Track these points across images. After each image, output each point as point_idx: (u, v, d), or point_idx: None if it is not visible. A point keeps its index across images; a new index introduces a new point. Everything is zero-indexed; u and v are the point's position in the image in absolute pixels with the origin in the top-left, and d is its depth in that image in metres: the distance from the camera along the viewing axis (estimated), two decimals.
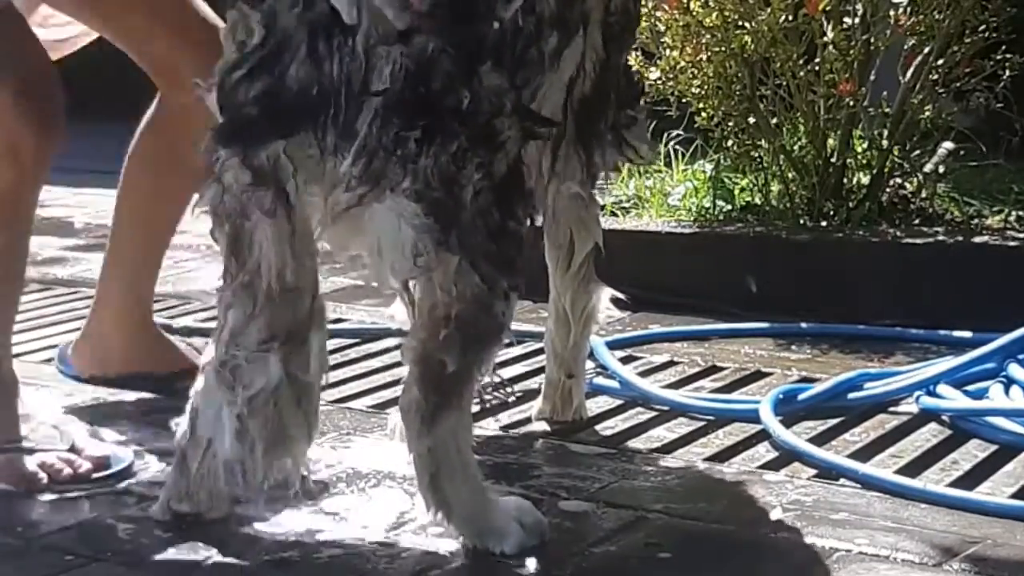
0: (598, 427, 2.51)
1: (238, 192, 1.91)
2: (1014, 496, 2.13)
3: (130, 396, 2.74)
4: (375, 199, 1.88)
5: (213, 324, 3.24)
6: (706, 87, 3.52)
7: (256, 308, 1.93)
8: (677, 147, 3.89)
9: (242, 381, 1.94)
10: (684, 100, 3.58)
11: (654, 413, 2.57)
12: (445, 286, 1.92)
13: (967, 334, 2.90)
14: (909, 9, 3.40)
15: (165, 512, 2.07)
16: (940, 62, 3.44)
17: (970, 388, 2.53)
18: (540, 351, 2.61)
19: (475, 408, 2.49)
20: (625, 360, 2.85)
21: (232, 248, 1.96)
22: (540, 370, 2.61)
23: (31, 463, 2.23)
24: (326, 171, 1.90)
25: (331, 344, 3.05)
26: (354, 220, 1.92)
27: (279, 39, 1.88)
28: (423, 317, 1.96)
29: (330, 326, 3.17)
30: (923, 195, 3.50)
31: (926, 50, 3.43)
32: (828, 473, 2.23)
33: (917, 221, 3.42)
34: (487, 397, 2.28)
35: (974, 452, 2.33)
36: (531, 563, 1.94)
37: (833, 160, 3.48)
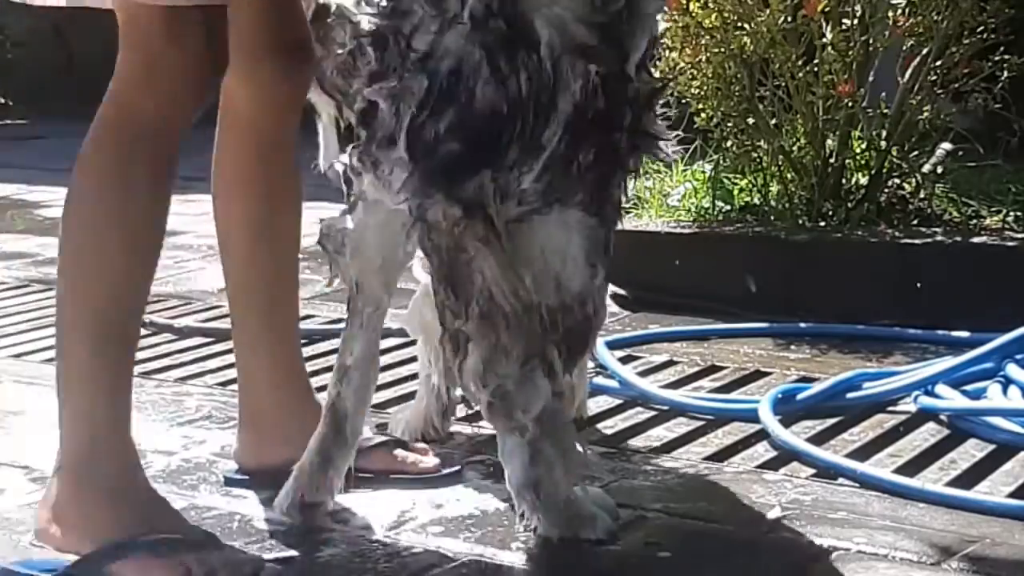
0: (598, 427, 2.52)
1: (448, 228, 1.85)
2: (1012, 495, 2.14)
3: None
4: (545, 212, 1.89)
5: (214, 324, 3.27)
6: (705, 88, 3.53)
7: (502, 335, 1.88)
8: (676, 148, 3.89)
9: (518, 406, 1.91)
10: (683, 101, 3.59)
11: (654, 413, 2.58)
12: (599, 299, 1.96)
13: (965, 334, 2.91)
14: (907, 10, 3.41)
15: (296, 506, 2.08)
16: (938, 63, 3.45)
17: (968, 388, 2.54)
18: None
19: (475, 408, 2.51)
20: (625, 360, 2.86)
21: (449, 284, 1.89)
22: None
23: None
24: (499, 187, 1.87)
25: (331, 344, 3.07)
26: (518, 234, 1.90)
27: (452, 64, 1.85)
28: (550, 322, 1.94)
29: (330, 326, 3.21)
30: (921, 196, 3.50)
31: (924, 51, 3.43)
32: (827, 472, 2.24)
33: (915, 221, 3.43)
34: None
35: (972, 452, 2.33)
36: (531, 563, 1.94)
37: (832, 161, 3.49)
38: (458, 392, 2.27)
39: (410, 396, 2.55)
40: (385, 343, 2.99)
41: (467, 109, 1.84)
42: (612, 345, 2.91)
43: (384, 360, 2.91)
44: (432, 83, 1.85)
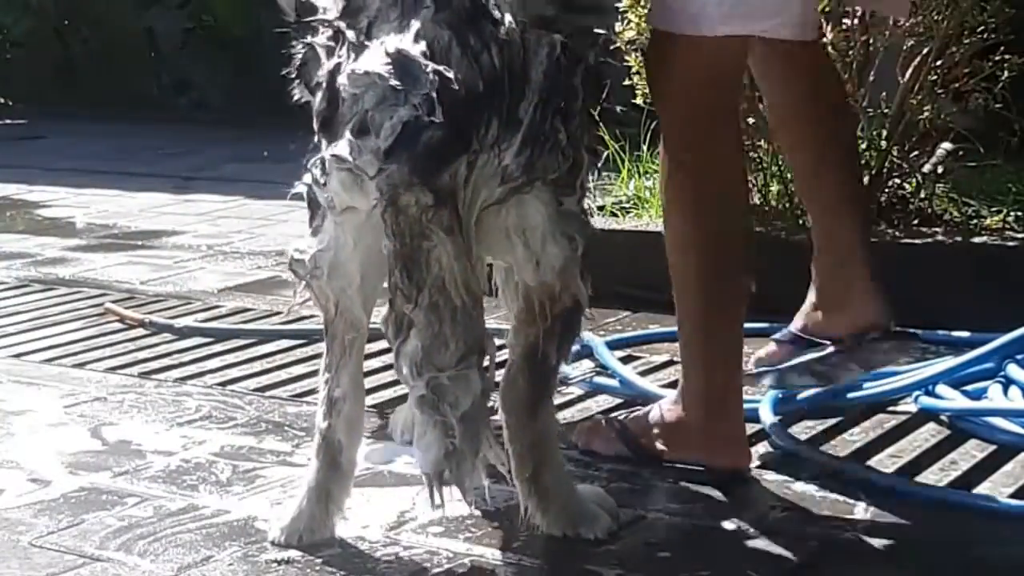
0: None
1: (417, 214, 1.84)
2: (1012, 495, 2.14)
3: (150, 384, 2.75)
4: (524, 191, 1.90)
5: (214, 324, 3.27)
6: None
7: (445, 326, 1.87)
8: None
9: (447, 400, 1.88)
10: None
11: None
12: (575, 278, 1.97)
13: (966, 334, 2.91)
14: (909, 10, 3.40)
15: (293, 544, 2.04)
16: (939, 63, 3.44)
17: (969, 388, 2.54)
18: None
19: None
20: (625, 360, 2.86)
21: (407, 268, 1.87)
22: None
23: None
24: (476, 167, 1.87)
25: None
26: (491, 217, 1.92)
27: (422, 49, 1.85)
28: (536, 312, 1.98)
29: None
30: (922, 195, 3.50)
31: (925, 51, 3.43)
32: (826, 472, 2.24)
33: (916, 221, 3.43)
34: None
35: (972, 452, 2.33)
36: (531, 562, 1.94)
37: None
38: None
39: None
40: (385, 343, 2.99)
41: (444, 92, 1.83)
42: (612, 345, 2.91)
43: (384, 360, 2.92)
44: (403, 70, 1.84)
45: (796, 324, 2.58)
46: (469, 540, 2.02)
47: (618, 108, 2.64)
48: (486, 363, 1.89)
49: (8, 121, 8.27)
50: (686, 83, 2.24)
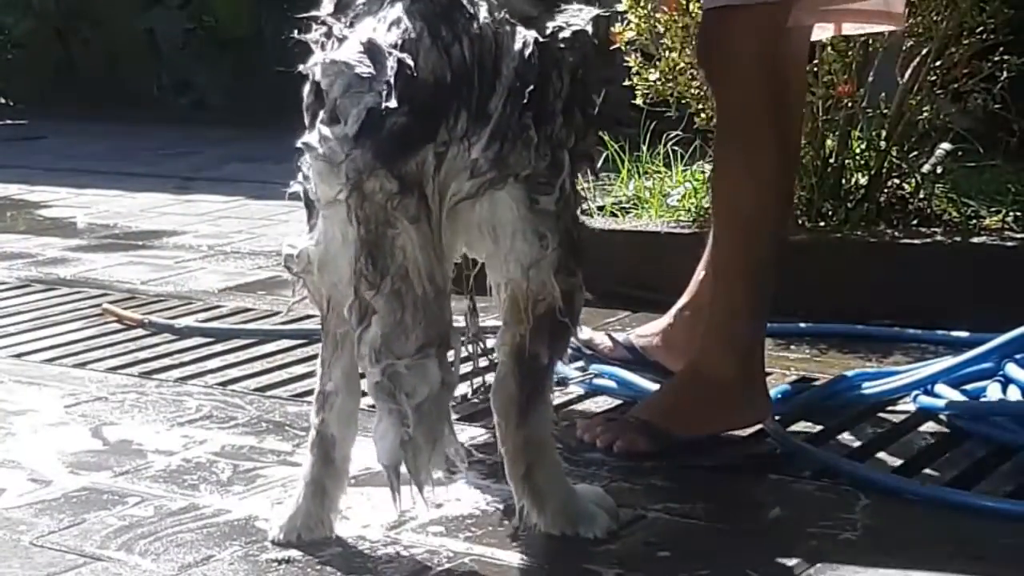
0: None
1: (382, 201, 1.83)
2: (1012, 495, 2.14)
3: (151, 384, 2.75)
4: (497, 187, 1.89)
5: (214, 324, 3.27)
6: (705, 88, 3.53)
7: (407, 314, 1.86)
8: (676, 148, 3.90)
9: (404, 389, 1.88)
10: (683, 101, 3.59)
11: None
12: (548, 276, 1.95)
13: (964, 334, 2.91)
14: (907, 10, 3.40)
15: (292, 541, 2.04)
16: (938, 63, 3.45)
17: (967, 388, 2.54)
18: None
19: (483, 406, 2.52)
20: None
21: (371, 255, 1.86)
22: None
23: None
24: (447, 160, 1.86)
25: None
26: (465, 212, 1.91)
27: (392, 40, 1.84)
28: (520, 310, 1.98)
29: None
30: (921, 196, 3.50)
31: (924, 51, 3.44)
32: (826, 472, 2.24)
33: (915, 222, 3.43)
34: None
35: (972, 452, 2.33)
36: (531, 562, 1.94)
37: (831, 161, 3.49)
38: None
39: None
40: None
41: (411, 80, 1.82)
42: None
43: None
44: (371, 58, 1.84)
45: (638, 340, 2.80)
46: (469, 540, 2.02)
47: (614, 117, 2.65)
48: (451, 356, 1.89)
49: (9, 121, 8.27)
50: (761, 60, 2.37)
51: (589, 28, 1.96)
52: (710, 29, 2.40)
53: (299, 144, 1.91)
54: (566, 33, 1.92)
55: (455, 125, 1.85)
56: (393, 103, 1.80)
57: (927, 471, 2.26)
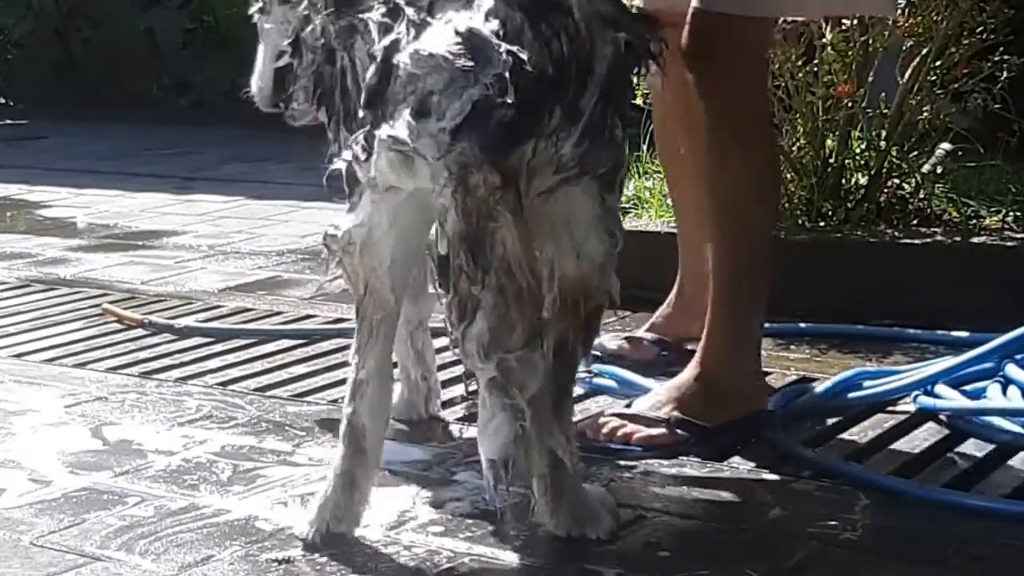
0: None
1: (485, 194, 1.82)
2: (1012, 495, 2.14)
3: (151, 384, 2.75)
4: (573, 183, 1.91)
5: (214, 324, 3.27)
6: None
7: (511, 309, 1.85)
8: None
9: (515, 383, 1.86)
10: None
11: None
12: (610, 274, 1.99)
13: (965, 334, 2.91)
14: (907, 10, 3.41)
15: (321, 532, 2.03)
16: (938, 63, 3.45)
17: (968, 388, 2.54)
18: None
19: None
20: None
21: (471, 249, 1.84)
22: None
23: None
24: (536, 153, 1.87)
25: (331, 344, 3.08)
26: (540, 206, 1.92)
27: (494, 28, 1.84)
28: (570, 307, 1.99)
29: (330, 326, 3.21)
30: (921, 196, 3.50)
31: (924, 51, 3.44)
32: (826, 472, 2.24)
33: (915, 222, 3.43)
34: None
35: (972, 452, 2.33)
36: (531, 562, 1.94)
37: (831, 161, 3.49)
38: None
39: None
40: None
41: (515, 73, 1.81)
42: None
43: None
44: (474, 50, 1.82)
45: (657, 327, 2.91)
46: (469, 540, 2.02)
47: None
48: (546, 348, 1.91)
49: (9, 121, 8.27)
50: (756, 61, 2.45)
51: (662, 36, 1.99)
52: (703, 29, 2.40)
53: (383, 135, 1.87)
54: (641, 40, 1.95)
55: (548, 120, 1.86)
56: (510, 97, 1.79)
57: (927, 471, 2.25)
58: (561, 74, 1.86)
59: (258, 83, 2.59)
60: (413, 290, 2.40)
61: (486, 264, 1.83)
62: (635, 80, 2.03)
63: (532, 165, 1.87)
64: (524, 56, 1.81)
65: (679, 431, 2.38)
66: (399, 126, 1.85)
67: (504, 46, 1.81)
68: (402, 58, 1.88)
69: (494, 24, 1.84)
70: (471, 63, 1.82)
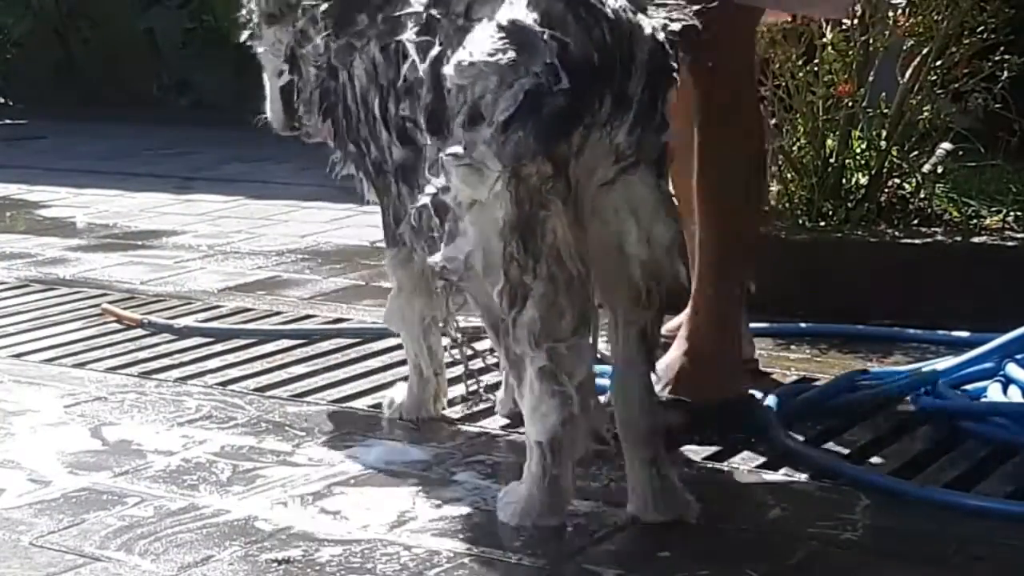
0: None
1: (538, 183, 1.85)
2: (1012, 495, 2.14)
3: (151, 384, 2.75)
4: (630, 172, 1.91)
5: (214, 324, 3.27)
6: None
7: (561, 296, 1.89)
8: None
9: (565, 370, 1.91)
10: None
11: None
12: (677, 256, 1.99)
13: (965, 334, 2.91)
14: (907, 10, 3.41)
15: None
16: (939, 63, 3.45)
17: (968, 388, 2.54)
18: None
19: (482, 406, 2.52)
20: None
21: (523, 238, 1.86)
22: None
23: None
24: (589, 144, 1.88)
25: (331, 344, 3.08)
26: (602, 196, 1.93)
27: (536, 17, 1.85)
28: (641, 296, 1.99)
29: (330, 326, 3.21)
30: (921, 195, 3.50)
31: (925, 51, 3.43)
32: (826, 473, 2.24)
33: (915, 221, 3.43)
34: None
35: (972, 452, 2.33)
36: (531, 562, 1.94)
37: (832, 160, 3.49)
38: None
39: None
40: (386, 343, 3.00)
41: (564, 59, 1.82)
42: None
43: (384, 360, 2.93)
44: (519, 42, 1.83)
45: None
46: (469, 540, 2.02)
47: None
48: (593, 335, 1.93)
49: (8, 121, 8.27)
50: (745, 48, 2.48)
51: (694, 23, 1.99)
52: (710, 19, 2.40)
53: (444, 156, 1.91)
54: (676, 27, 1.95)
55: (600, 109, 1.86)
56: (565, 83, 1.80)
57: (927, 471, 2.25)
58: (606, 61, 1.86)
59: (270, 109, 2.62)
60: (428, 287, 2.42)
61: (536, 252, 1.86)
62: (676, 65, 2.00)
63: (588, 157, 1.87)
64: (569, 41, 1.82)
65: (675, 412, 2.38)
66: (453, 142, 1.89)
67: (548, 32, 1.82)
68: (448, 71, 1.90)
69: (535, 14, 1.85)
70: (516, 55, 1.83)
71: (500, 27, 1.85)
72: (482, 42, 1.87)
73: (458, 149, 1.89)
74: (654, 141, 1.93)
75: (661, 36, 1.92)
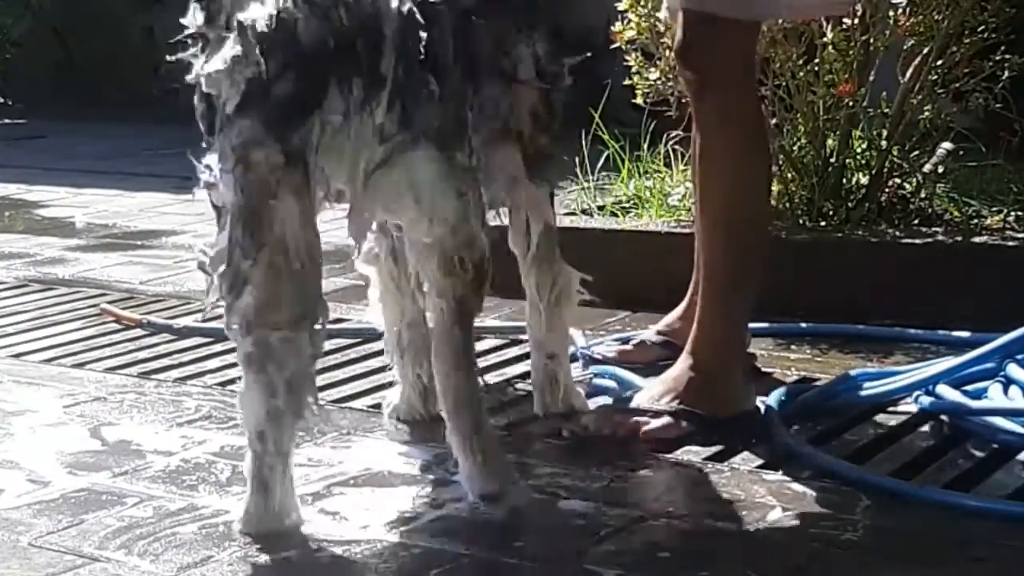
0: None
1: (266, 172, 1.87)
2: (1012, 496, 2.13)
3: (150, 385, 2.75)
4: (410, 148, 1.92)
5: (214, 324, 3.27)
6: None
7: (281, 286, 1.92)
8: (677, 147, 3.89)
9: (274, 360, 1.93)
10: (684, 100, 3.58)
11: None
12: (477, 229, 2.01)
13: (966, 334, 2.91)
14: (908, 10, 3.40)
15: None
16: (939, 62, 3.44)
17: (969, 388, 2.54)
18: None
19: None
20: None
21: (248, 225, 1.90)
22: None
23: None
24: (353, 130, 1.89)
25: (331, 344, 3.07)
26: (383, 178, 1.94)
27: (271, 9, 1.88)
28: (454, 263, 2.02)
29: (330, 326, 3.20)
30: (922, 195, 3.50)
31: (925, 50, 3.43)
32: (827, 473, 2.24)
33: (916, 221, 3.42)
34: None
35: (972, 452, 2.33)
36: (531, 562, 1.94)
37: (832, 160, 3.48)
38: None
39: None
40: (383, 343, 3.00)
41: (290, 48, 1.85)
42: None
43: (384, 360, 2.92)
44: (244, 38, 1.87)
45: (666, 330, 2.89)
46: (469, 540, 2.01)
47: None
48: (318, 328, 1.95)
49: (8, 121, 8.27)
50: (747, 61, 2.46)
51: None
52: (698, 31, 2.40)
53: (205, 163, 1.94)
54: None
55: (351, 92, 1.87)
56: (292, 70, 1.83)
57: (927, 471, 2.25)
58: (344, 44, 1.87)
59: None
60: (390, 294, 2.45)
61: (261, 241, 1.88)
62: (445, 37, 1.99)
63: (353, 142, 1.90)
64: (299, 30, 1.84)
65: (683, 422, 2.39)
66: (212, 150, 1.93)
67: (275, 23, 1.85)
68: (201, 81, 1.94)
69: (269, 9, 1.87)
70: (242, 51, 1.86)
71: (236, 29, 1.88)
72: (225, 50, 1.90)
73: (214, 160, 1.93)
74: (426, 115, 1.93)
75: (408, 8, 1.92)
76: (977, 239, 3.24)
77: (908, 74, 3.46)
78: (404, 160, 1.94)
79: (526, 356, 2.68)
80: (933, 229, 3.33)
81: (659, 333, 2.88)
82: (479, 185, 2.03)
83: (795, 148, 3.51)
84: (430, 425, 2.50)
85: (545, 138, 2.31)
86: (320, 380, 2.81)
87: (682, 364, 2.49)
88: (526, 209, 2.41)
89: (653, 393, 2.47)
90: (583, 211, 3.67)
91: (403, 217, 2.04)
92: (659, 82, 3.55)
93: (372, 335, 3.08)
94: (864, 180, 3.52)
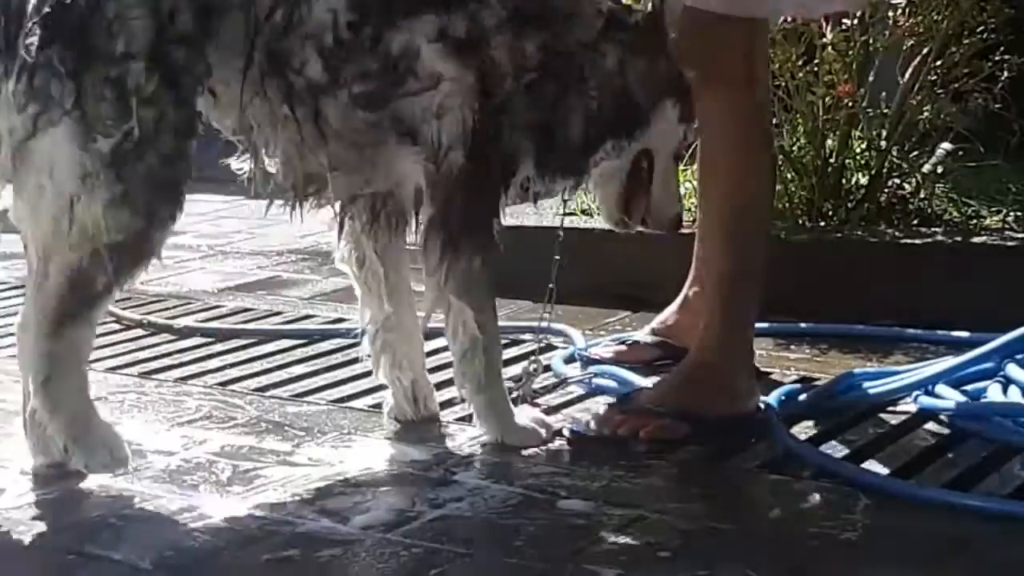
0: None
1: None
2: (1012, 495, 2.13)
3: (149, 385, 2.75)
4: (51, 123, 1.98)
5: (214, 324, 3.27)
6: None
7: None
8: None
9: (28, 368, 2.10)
10: None
11: None
12: (99, 214, 2.07)
13: (965, 334, 2.91)
14: (907, 10, 3.41)
15: None
16: (939, 63, 3.45)
17: (968, 388, 2.54)
18: (542, 349, 2.63)
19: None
20: None
21: None
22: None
23: None
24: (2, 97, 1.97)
25: (331, 344, 3.08)
26: (29, 151, 2.01)
27: None
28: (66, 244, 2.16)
29: (330, 326, 3.21)
30: (921, 195, 3.50)
31: (925, 51, 3.44)
32: (827, 473, 2.24)
33: (915, 221, 3.43)
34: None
35: (972, 452, 2.33)
36: (531, 562, 1.94)
37: (832, 161, 3.49)
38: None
39: None
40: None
41: None
42: None
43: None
44: None
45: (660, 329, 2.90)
46: (469, 540, 2.02)
47: None
48: None
49: None
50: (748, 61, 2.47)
51: None
52: (702, 29, 2.40)
53: None
54: None
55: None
56: None
57: (927, 471, 2.25)
58: None
59: None
60: (363, 297, 2.46)
61: None
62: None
63: (5, 111, 1.97)
64: None
65: (683, 423, 2.39)
66: None
67: None
68: None
69: None
70: None
71: None
72: None
73: None
74: (53, 90, 1.97)
75: None
76: (976, 239, 3.24)
77: (907, 74, 3.47)
78: (50, 136, 2.00)
79: (525, 356, 2.69)
80: (932, 229, 3.34)
81: (653, 332, 2.88)
82: (129, 179, 2.07)
83: (795, 148, 3.52)
84: (430, 425, 2.51)
85: None
86: (320, 380, 2.83)
87: (686, 365, 2.49)
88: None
89: (656, 393, 2.47)
90: (583, 211, 3.67)
91: (37, 190, 2.09)
92: None
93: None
94: (864, 180, 3.53)
